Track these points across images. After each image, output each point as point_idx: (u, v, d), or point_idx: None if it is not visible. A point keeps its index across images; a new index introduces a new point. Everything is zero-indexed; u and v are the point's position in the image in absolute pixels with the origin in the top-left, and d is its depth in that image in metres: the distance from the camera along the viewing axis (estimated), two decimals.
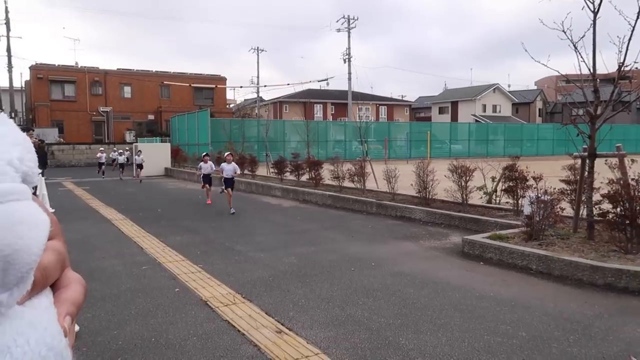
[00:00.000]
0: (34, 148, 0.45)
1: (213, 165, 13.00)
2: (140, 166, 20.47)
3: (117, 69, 41.71)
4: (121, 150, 25.34)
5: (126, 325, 4.18)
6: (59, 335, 0.41)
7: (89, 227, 9.19)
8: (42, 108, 37.22)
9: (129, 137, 38.21)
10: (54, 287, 0.46)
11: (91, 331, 4.03)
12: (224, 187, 11.31)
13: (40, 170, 0.45)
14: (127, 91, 41.39)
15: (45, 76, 37.73)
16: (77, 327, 3.91)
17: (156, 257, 6.63)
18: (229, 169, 10.99)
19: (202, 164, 12.92)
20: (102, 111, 39.67)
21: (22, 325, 0.39)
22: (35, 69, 37.95)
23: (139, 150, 21.10)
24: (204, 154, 13.71)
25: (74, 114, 38.67)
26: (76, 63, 41.22)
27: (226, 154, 11.90)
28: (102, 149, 26.00)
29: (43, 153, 14.32)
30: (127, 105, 40.91)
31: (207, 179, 12.76)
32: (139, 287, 5.26)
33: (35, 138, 12.31)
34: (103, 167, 23.07)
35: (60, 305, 0.44)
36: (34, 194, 0.44)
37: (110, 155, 26.23)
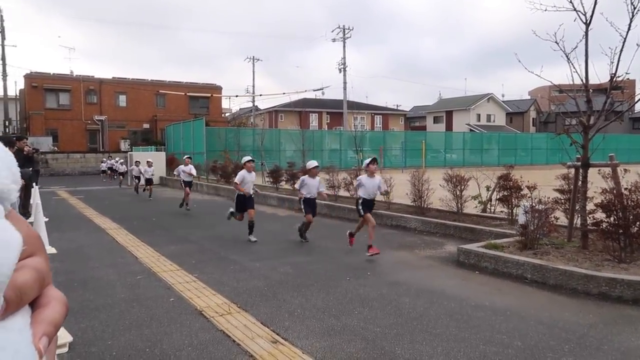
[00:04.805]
0: (16, 163, 0.44)
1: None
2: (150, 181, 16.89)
3: (112, 77, 41.71)
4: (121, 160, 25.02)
5: (120, 335, 4.15)
6: (31, 357, 0.40)
7: (83, 236, 9.13)
8: (37, 117, 37.10)
9: (124, 145, 38.11)
10: (34, 305, 0.45)
11: (85, 341, 4.00)
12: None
13: (18, 188, 0.43)
14: (122, 100, 41.36)
15: (40, 85, 37.67)
16: (70, 338, 3.89)
17: (151, 266, 6.59)
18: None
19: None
20: (97, 120, 39.60)
21: None
22: (30, 77, 37.88)
23: (149, 161, 17.21)
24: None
25: (68, 122, 38.58)
26: (71, 72, 41.21)
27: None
28: (119, 159, 25.74)
29: (36, 162, 14.22)
30: (122, 113, 40.86)
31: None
32: (134, 297, 5.23)
33: (29, 147, 12.25)
34: (121, 177, 22.90)
35: (37, 325, 0.43)
36: (25, 208, 0.44)
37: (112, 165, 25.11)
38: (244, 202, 8.66)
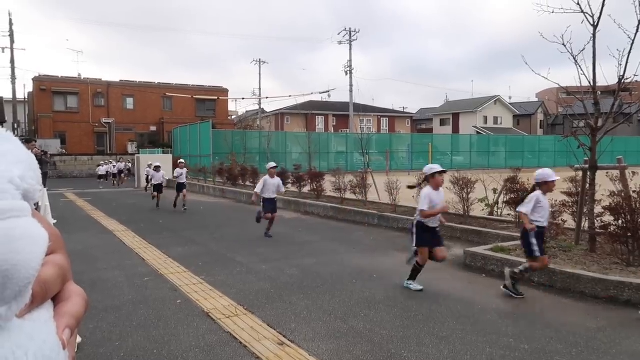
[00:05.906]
0: (37, 162, 0.46)
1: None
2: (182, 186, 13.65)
3: (120, 80, 41.99)
4: (153, 164, 22.14)
5: (128, 337, 4.17)
6: (57, 348, 0.42)
7: (91, 238, 9.20)
8: (45, 119, 37.42)
9: (131, 148, 38.34)
10: (56, 300, 0.47)
11: (93, 343, 4.03)
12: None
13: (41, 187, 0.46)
14: (130, 102, 41.62)
15: (48, 88, 37.99)
16: (79, 339, 3.92)
17: (158, 268, 6.63)
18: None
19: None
20: (104, 122, 39.86)
21: (21, 338, 0.40)
22: (38, 80, 38.22)
23: (181, 162, 14.40)
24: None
25: (76, 125, 38.86)
26: (79, 75, 41.59)
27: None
28: (151, 163, 21.65)
29: (45, 164, 14.34)
30: (130, 116, 41.12)
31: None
32: (141, 299, 5.26)
33: (38, 149, 12.37)
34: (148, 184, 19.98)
35: (60, 318, 0.45)
36: (36, 208, 0.46)
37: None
38: (431, 234, 5.51)
